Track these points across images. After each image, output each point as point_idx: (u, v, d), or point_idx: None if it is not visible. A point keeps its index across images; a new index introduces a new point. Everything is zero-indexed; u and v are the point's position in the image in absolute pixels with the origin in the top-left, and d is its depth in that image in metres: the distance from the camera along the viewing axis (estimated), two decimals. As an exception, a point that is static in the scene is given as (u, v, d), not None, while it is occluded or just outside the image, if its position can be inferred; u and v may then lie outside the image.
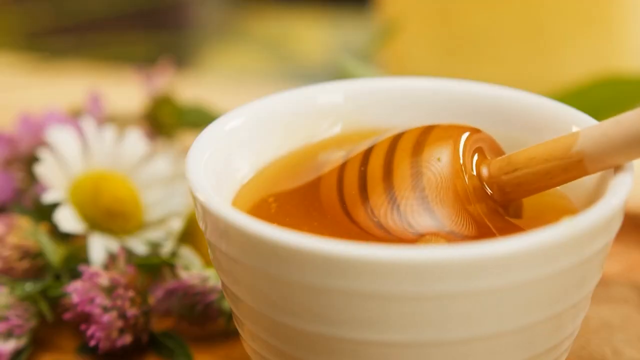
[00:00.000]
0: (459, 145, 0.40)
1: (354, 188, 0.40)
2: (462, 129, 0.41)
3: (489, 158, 0.41)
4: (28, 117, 0.57)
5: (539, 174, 0.39)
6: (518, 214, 0.41)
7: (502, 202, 0.40)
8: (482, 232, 0.39)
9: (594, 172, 0.38)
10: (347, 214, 0.40)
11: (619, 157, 0.37)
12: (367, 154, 0.41)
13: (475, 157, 0.40)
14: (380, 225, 0.39)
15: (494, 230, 0.39)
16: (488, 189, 0.40)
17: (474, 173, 0.40)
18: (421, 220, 0.39)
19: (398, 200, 0.39)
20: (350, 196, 0.40)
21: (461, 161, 0.40)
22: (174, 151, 0.56)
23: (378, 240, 0.38)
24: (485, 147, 0.41)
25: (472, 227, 0.39)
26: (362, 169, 0.41)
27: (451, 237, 0.38)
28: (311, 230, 0.39)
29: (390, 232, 0.39)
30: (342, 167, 0.41)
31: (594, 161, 0.37)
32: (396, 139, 0.41)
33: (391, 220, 0.39)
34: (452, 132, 0.40)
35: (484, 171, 0.40)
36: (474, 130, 0.41)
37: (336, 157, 0.43)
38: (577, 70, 0.74)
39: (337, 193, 0.41)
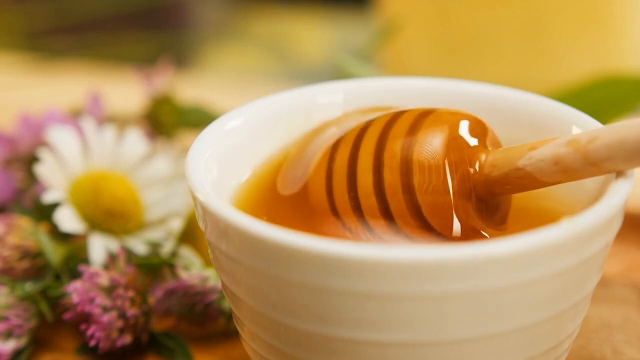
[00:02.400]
0: (454, 133, 0.40)
1: (342, 182, 0.40)
2: (460, 116, 0.40)
3: (488, 148, 0.40)
4: (28, 117, 0.57)
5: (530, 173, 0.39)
6: (503, 220, 0.41)
7: (485, 196, 0.40)
8: (462, 229, 0.39)
9: (576, 179, 0.38)
10: (334, 211, 0.40)
11: (600, 168, 0.37)
12: (360, 136, 0.41)
13: (471, 145, 0.40)
14: (367, 225, 0.39)
15: (469, 228, 0.39)
16: (476, 172, 0.39)
17: (466, 163, 0.39)
18: (407, 216, 0.39)
19: (387, 196, 0.39)
20: (339, 191, 0.40)
21: (453, 149, 0.39)
22: (174, 151, 0.56)
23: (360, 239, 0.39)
24: (482, 137, 0.40)
25: (452, 222, 0.39)
26: (353, 153, 0.40)
27: (433, 236, 0.39)
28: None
29: (375, 230, 0.39)
30: (332, 156, 0.41)
31: (571, 169, 0.37)
32: (390, 122, 0.40)
33: (377, 218, 0.39)
34: (449, 118, 0.40)
35: (477, 162, 0.40)
36: (473, 119, 0.40)
37: (325, 148, 0.42)
38: (577, 70, 0.74)
39: (325, 191, 0.41)
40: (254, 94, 0.58)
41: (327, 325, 0.35)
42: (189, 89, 0.70)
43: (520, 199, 0.42)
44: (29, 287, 0.47)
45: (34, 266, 0.49)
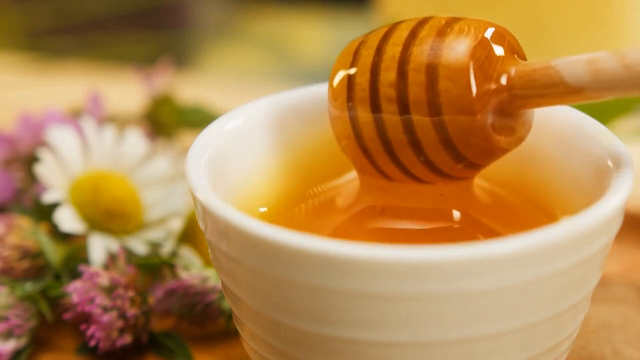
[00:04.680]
0: (484, 40, 0.38)
1: (365, 76, 0.39)
2: (488, 24, 0.39)
3: (514, 59, 0.39)
4: (28, 117, 0.57)
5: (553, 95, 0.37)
6: (521, 139, 0.39)
7: (508, 105, 0.38)
8: (479, 139, 0.38)
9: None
10: (351, 99, 0.39)
11: (632, 72, 0.35)
12: (385, 38, 0.40)
13: (500, 54, 0.38)
14: (382, 125, 0.39)
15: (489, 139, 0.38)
16: (500, 85, 0.38)
17: (494, 75, 0.38)
18: (427, 122, 0.38)
19: (409, 96, 0.38)
20: (359, 86, 0.39)
21: (481, 56, 0.38)
22: (174, 151, 0.56)
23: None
24: (513, 49, 0.39)
25: (471, 129, 0.38)
26: (377, 54, 0.39)
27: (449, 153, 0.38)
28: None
29: (389, 135, 0.39)
30: (355, 58, 0.40)
31: (602, 70, 0.36)
32: (418, 26, 0.39)
33: (394, 115, 0.38)
34: (478, 25, 0.38)
35: (505, 73, 0.38)
36: (505, 30, 0.39)
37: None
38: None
39: (347, 85, 0.40)
40: (254, 94, 0.58)
41: (327, 325, 0.35)
42: (189, 89, 0.70)
43: (520, 199, 0.42)
44: (29, 287, 0.47)
45: (34, 266, 0.49)
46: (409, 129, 0.39)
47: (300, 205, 0.43)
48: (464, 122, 0.38)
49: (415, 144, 0.39)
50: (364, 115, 0.40)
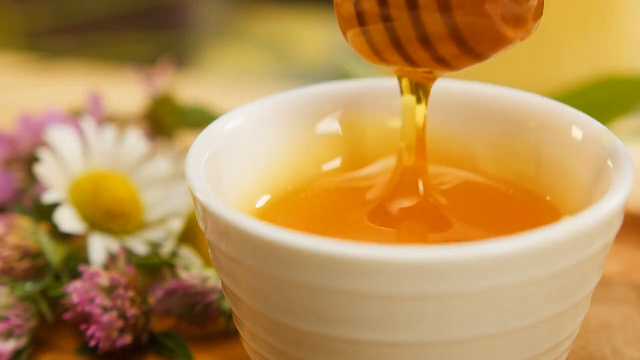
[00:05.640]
0: None
1: None
2: None
3: None
4: (28, 117, 0.57)
5: None
6: (529, 31, 0.38)
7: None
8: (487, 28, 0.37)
9: None
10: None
11: None
12: None
13: None
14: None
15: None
16: None
17: None
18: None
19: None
20: None
21: None
22: (174, 151, 0.56)
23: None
24: None
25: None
26: None
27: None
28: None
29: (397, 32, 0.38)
30: None
31: None
32: None
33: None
34: None
35: None
36: None
37: None
38: (577, 70, 0.74)
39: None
40: (254, 94, 0.58)
41: (327, 325, 0.35)
42: (189, 89, 0.70)
43: (520, 199, 0.42)
44: (29, 287, 0.47)
45: (34, 266, 0.49)
46: (415, 16, 0.37)
47: (300, 203, 0.43)
48: (472, 9, 0.37)
49: (421, 32, 0.38)
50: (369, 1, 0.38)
